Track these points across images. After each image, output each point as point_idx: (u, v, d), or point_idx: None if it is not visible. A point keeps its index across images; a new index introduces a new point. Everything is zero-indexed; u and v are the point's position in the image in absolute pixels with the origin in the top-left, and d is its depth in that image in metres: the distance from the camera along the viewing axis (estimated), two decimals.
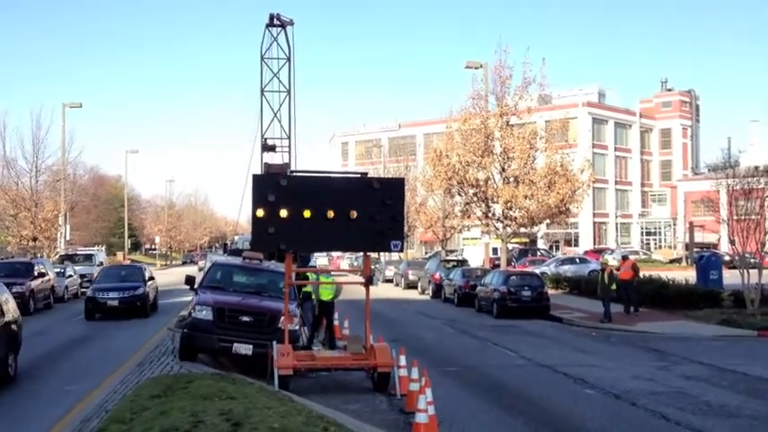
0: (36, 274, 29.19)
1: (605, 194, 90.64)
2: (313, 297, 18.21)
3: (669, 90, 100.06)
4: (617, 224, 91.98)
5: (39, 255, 43.32)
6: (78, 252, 46.09)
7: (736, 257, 26.28)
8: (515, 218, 35.95)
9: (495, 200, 35.79)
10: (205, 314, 14.25)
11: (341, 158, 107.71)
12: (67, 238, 50.25)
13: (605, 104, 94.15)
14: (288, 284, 13.67)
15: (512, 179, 35.39)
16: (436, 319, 27.20)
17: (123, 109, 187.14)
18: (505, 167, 35.69)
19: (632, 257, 34.08)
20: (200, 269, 45.09)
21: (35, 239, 46.11)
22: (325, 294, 17.73)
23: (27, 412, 11.86)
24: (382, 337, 14.85)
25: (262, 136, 29.06)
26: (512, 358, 17.69)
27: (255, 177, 13.11)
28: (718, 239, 64.16)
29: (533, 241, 73.78)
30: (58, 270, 34.25)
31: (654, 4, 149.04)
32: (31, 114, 56.63)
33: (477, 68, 37.16)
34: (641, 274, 28.87)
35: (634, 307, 26.01)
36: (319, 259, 24.42)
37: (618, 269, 26.61)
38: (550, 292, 30.47)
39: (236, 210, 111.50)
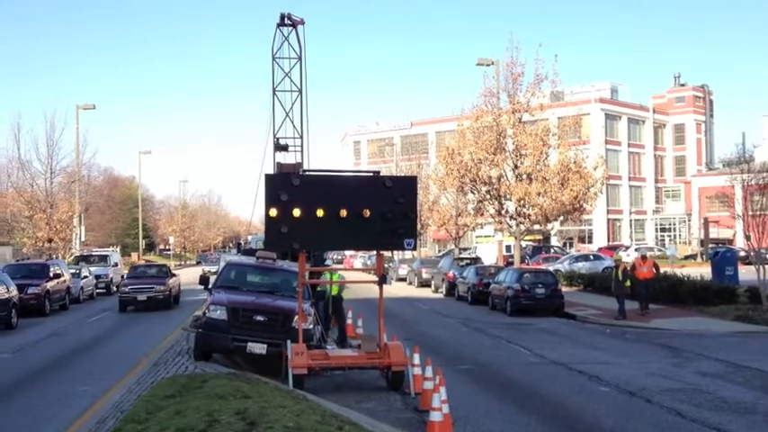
0: (51, 275, 29.36)
1: (619, 191, 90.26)
2: (327, 296, 18.45)
3: (682, 85, 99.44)
4: (631, 220, 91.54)
5: (54, 256, 43.49)
6: (93, 253, 46.31)
7: (752, 253, 26.12)
8: (529, 215, 35.80)
9: (508, 197, 35.65)
10: (219, 314, 14.29)
11: (353, 157, 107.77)
12: (82, 239, 50.59)
13: (618, 100, 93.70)
14: (301, 284, 13.69)
15: (525, 176, 35.24)
16: (450, 317, 27.16)
17: (136, 110, 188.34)
18: (518, 165, 35.54)
19: (648, 254, 33.93)
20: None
21: (50, 241, 46.37)
22: (332, 290, 18.24)
23: (43, 413, 11.93)
24: (396, 335, 14.87)
25: (274, 136, 29.13)
26: (526, 356, 17.65)
27: (268, 177, 13.08)
28: (734, 235, 63.95)
29: (547, 238, 73.57)
30: (74, 271, 34.43)
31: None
32: (44, 116, 56.82)
33: (488, 65, 37.08)
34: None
35: (646, 304, 25.83)
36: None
37: (634, 268, 26.38)
38: (564, 289, 30.39)
39: (249, 210, 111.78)
